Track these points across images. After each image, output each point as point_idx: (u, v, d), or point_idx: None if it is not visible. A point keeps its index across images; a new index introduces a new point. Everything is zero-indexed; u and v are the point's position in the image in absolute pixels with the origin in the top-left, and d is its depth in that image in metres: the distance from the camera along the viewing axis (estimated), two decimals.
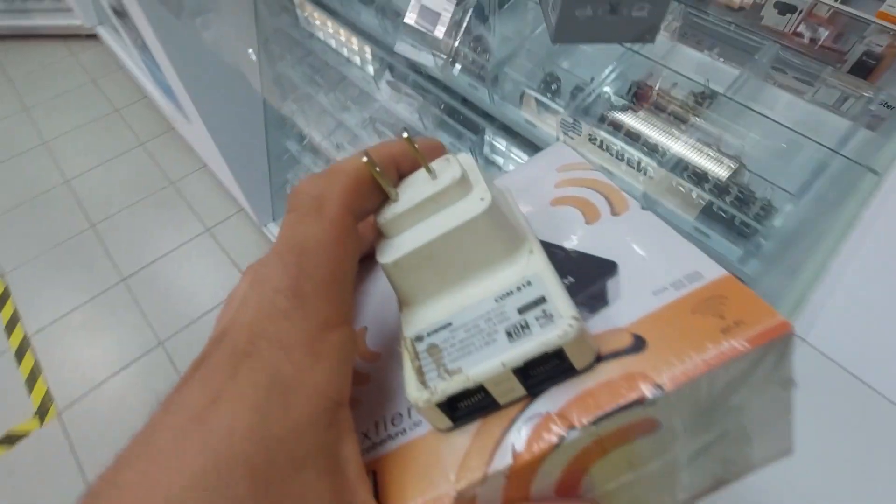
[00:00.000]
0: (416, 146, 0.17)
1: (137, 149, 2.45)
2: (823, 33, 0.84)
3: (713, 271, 0.15)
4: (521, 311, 0.14)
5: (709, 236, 0.73)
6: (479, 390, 0.13)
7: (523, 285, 0.14)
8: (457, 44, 0.90)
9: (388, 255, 0.15)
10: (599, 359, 0.14)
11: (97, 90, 2.76)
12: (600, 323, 0.15)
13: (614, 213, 0.17)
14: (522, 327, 0.13)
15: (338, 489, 0.13)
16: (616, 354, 0.13)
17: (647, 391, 0.12)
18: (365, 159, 0.16)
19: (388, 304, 0.17)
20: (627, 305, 0.15)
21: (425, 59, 0.92)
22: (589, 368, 0.13)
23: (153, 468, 0.12)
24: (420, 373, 0.14)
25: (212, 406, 0.13)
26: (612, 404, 0.12)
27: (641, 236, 0.16)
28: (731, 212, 0.70)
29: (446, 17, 0.89)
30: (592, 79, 0.85)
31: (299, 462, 0.12)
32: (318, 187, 0.16)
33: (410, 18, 0.92)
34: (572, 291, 0.15)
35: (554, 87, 0.87)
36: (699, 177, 0.75)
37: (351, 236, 0.15)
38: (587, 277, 0.15)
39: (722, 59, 0.86)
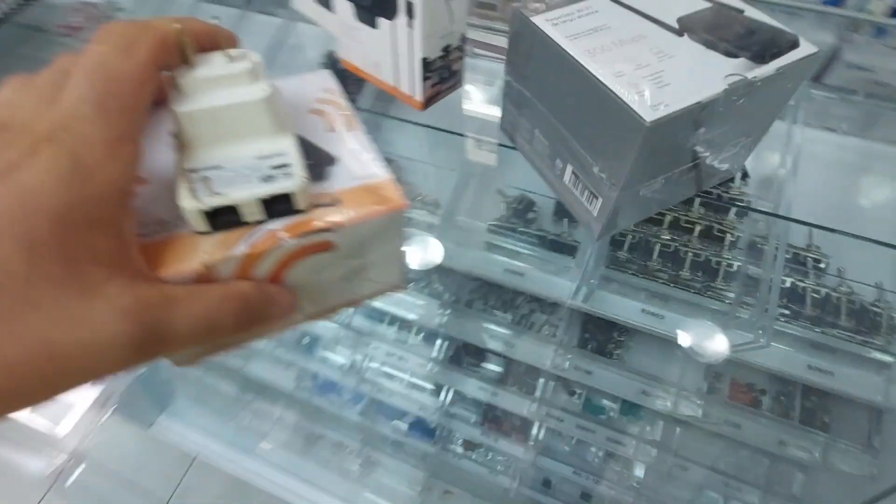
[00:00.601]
0: (224, 35, 0.21)
1: None
2: None
3: (386, 174, 0.22)
4: (273, 168, 0.20)
5: (832, 374, 0.52)
6: (234, 210, 0.20)
7: (278, 153, 0.21)
8: None
9: (184, 106, 0.20)
10: (314, 207, 0.21)
11: None
12: (318, 189, 0.21)
13: (348, 129, 0.24)
14: (272, 177, 0.20)
15: (120, 247, 0.17)
16: (322, 206, 0.21)
17: (332, 223, 0.20)
18: (176, 25, 0.19)
19: (159, 148, 0.22)
20: (336, 182, 0.22)
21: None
22: (306, 211, 0.20)
23: None
24: (193, 191, 0.19)
25: (9, 172, 0.15)
26: (310, 228, 0.20)
27: (356, 145, 0.24)
28: (858, 345, 0.49)
29: None
30: None
31: (93, 223, 0.16)
32: (132, 32, 0.18)
33: None
34: (307, 168, 0.21)
35: (531, 215, 0.59)
36: (792, 297, 0.53)
37: (152, 82, 0.18)
38: (318, 162, 0.22)
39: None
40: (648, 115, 0.25)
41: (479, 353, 0.78)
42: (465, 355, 0.78)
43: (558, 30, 0.29)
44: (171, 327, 0.17)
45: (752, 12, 0.31)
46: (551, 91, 0.32)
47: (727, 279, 0.54)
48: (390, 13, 0.36)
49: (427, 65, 0.38)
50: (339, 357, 0.87)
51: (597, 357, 0.66)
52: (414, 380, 0.87)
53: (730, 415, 0.62)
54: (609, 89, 0.26)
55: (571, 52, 0.28)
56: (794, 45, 0.29)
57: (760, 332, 0.46)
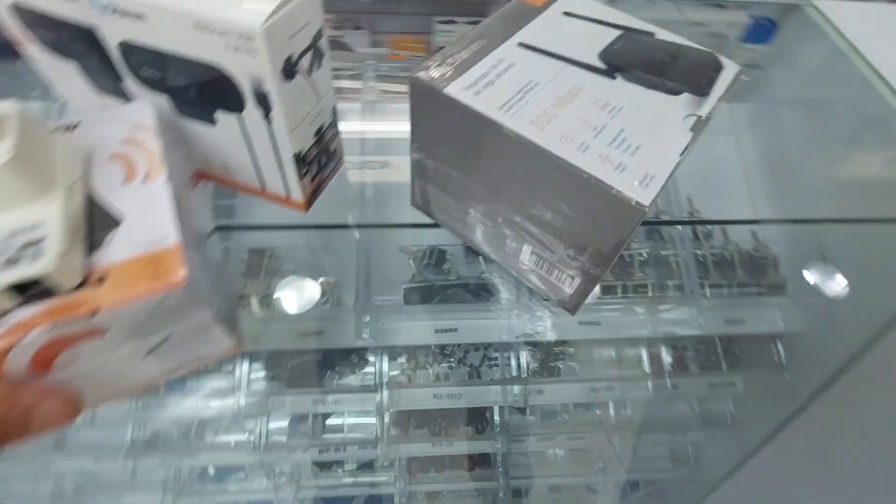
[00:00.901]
0: None
1: None
2: None
3: (172, 239, 0.20)
4: (23, 246, 0.18)
5: (744, 321, 0.57)
6: None
7: (34, 226, 0.18)
8: None
9: None
10: (82, 284, 0.19)
11: None
12: (92, 262, 0.19)
13: (145, 181, 0.22)
14: (17, 259, 0.17)
15: None
16: (88, 285, 0.19)
17: (88, 311, 0.18)
18: None
19: None
20: (113, 251, 0.20)
21: None
22: (70, 292, 0.18)
23: None
24: None
25: None
26: (64, 316, 0.18)
27: (148, 204, 0.21)
28: (756, 296, 0.54)
29: None
30: None
31: None
32: None
33: None
34: (83, 237, 0.19)
35: (446, 266, 0.53)
36: (698, 266, 0.55)
37: None
38: (99, 226, 0.20)
39: None
40: (643, 198, 0.20)
41: (425, 414, 0.71)
42: (410, 421, 0.71)
43: (484, 100, 0.23)
44: None
45: (663, 34, 0.28)
46: (491, 174, 0.25)
47: (642, 268, 0.56)
48: (235, 105, 0.26)
49: (301, 159, 0.29)
50: (262, 479, 0.72)
51: (543, 377, 0.64)
52: (359, 463, 0.76)
53: (669, 380, 0.66)
54: (582, 172, 0.21)
55: (519, 131, 0.22)
56: (717, 65, 0.27)
57: (695, 310, 0.48)
